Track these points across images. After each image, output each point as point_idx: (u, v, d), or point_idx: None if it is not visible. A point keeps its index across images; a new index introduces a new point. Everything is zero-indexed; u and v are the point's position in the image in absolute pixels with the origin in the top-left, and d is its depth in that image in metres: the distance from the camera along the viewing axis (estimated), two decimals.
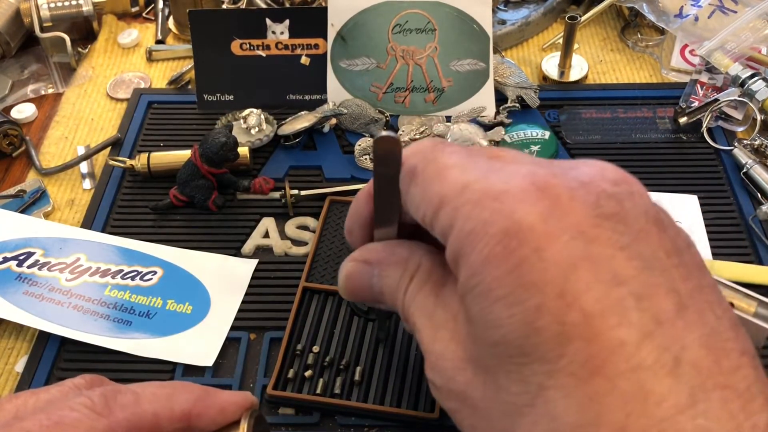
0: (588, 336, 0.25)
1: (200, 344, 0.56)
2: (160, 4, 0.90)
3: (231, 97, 0.76)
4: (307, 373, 0.52)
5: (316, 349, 0.53)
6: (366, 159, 0.69)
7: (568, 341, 0.25)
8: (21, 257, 0.61)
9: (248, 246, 0.63)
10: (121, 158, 0.69)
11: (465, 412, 0.31)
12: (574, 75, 0.79)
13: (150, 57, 0.84)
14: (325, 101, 0.74)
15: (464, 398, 0.31)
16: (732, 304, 0.51)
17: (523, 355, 0.26)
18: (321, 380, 0.51)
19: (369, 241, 0.38)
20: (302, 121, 0.71)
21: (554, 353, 0.25)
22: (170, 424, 0.34)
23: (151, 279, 0.60)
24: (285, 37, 0.75)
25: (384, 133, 0.32)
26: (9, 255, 0.61)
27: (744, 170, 0.66)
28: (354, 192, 0.65)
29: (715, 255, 0.61)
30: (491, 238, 0.28)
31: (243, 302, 0.59)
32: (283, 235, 0.64)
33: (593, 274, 0.26)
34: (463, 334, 0.31)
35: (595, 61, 0.81)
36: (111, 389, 0.35)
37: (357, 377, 0.51)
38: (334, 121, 0.73)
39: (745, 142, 0.69)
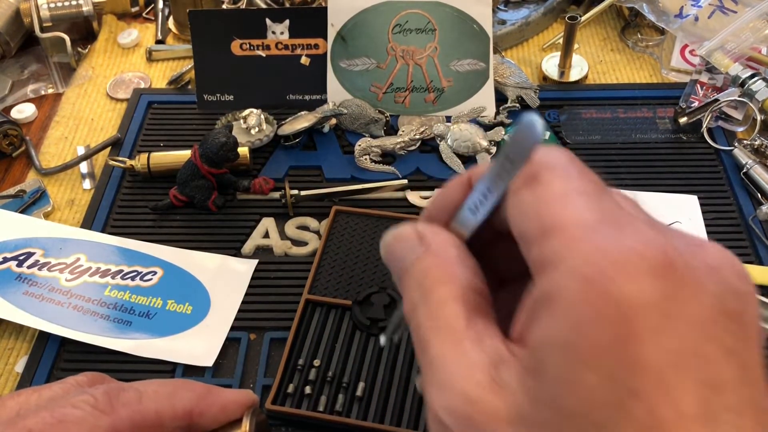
0: None
1: (200, 344, 0.55)
2: (160, 4, 0.90)
3: (231, 97, 0.76)
4: (307, 389, 0.51)
5: (317, 363, 0.53)
6: (366, 159, 0.69)
7: None
8: (21, 257, 0.61)
9: (248, 246, 0.63)
10: (121, 158, 0.69)
11: None
12: (574, 75, 0.79)
13: (150, 57, 0.84)
14: (325, 101, 0.74)
15: None
16: None
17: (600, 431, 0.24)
18: (322, 397, 0.51)
19: None
20: (302, 121, 0.71)
21: None
22: (172, 422, 0.34)
23: (151, 279, 0.60)
24: (285, 37, 0.75)
25: (533, 118, 0.26)
26: (9, 255, 0.61)
27: (744, 170, 0.66)
28: (354, 192, 0.65)
29: None
30: (604, 300, 0.24)
31: (243, 302, 0.59)
32: (283, 235, 0.64)
33: (700, 375, 0.24)
34: (512, 385, 0.26)
35: (595, 61, 0.81)
36: (114, 387, 0.35)
37: (359, 393, 0.51)
38: (334, 121, 0.73)
39: (745, 142, 0.69)
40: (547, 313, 0.25)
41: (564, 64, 0.78)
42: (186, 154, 0.66)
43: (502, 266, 0.32)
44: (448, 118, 0.73)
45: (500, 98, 0.74)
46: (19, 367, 0.56)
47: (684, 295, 0.25)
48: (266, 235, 0.64)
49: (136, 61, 0.85)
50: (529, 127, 0.27)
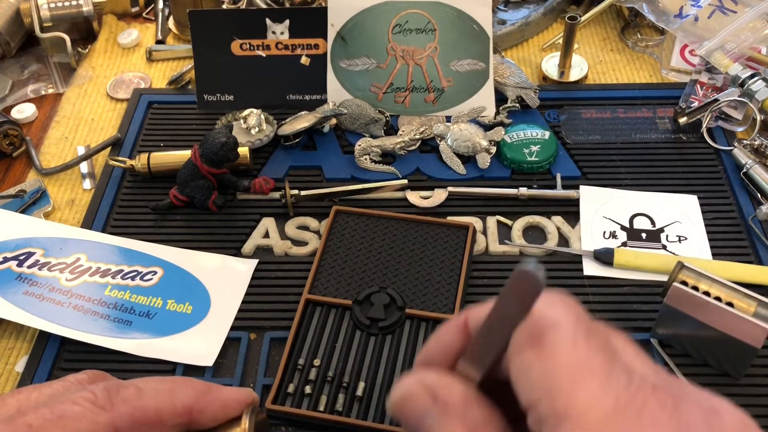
0: None
1: (200, 344, 0.56)
2: (160, 4, 0.90)
3: (231, 97, 0.76)
4: (307, 389, 0.51)
5: (317, 362, 0.53)
6: (366, 159, 0.69)
7: None
8: (21, 257, 0.61)
9: (248, 246, 0.63)
10: (121, 158, 0.69)
11: None
12: (574, 75, 0.79)
13: (150, 57, 0.84)
14: (325, 101, 0.74)
15: None
16: (732, 304, 0.51)
17: None
18: (323, 397, 0.51)
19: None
20: (302, 121, 0.71)
21: None
22: (172, 419, 0.34)
23: (151, 279, 0.60)
24: (285, 37, 0.75)
25: (530, 267, 0.25)
26: (9, 255, 0.61)
27: (744, 170, 0.66)
28: (354, 192, 0.65)
29: (715, 255, 0.61)
30: None
31: (243, 302, 0.59)
32: (283, 235, 0.64)
33: None
34: None
35: (595, 61, 0.81)
36: (113, 384, 0.35)
37: (359, 393, 0.51)
38: (334, 121, 0.73)
39: (744, 142, 0.69)
40: None
41: (564, 64, 0.78)
42: (186, 154, 0.66)
43: (504, 407, 0.30)
44: (448, 118, 0.73)
45: (500, 98, 0.74)
46: (20, 366, 0.56)
47: None
48: (266, 235, 0.64)
49: (136, 61, 0.85)
50: (529, 276, 0.25)
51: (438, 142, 0.71)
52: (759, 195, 0.65)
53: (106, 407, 0.33)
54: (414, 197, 0.67)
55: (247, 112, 0.71)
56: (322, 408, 0.50)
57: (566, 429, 0.25)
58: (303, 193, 0.65)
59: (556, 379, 0.26)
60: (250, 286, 0.60)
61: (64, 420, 0.31)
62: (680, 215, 0.64)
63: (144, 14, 0.91)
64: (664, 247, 0.62)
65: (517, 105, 0.74)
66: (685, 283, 0.52)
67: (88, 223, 0.65)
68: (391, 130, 0.73)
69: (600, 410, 0.25)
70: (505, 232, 0.64)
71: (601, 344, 0.26)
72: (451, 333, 0.31)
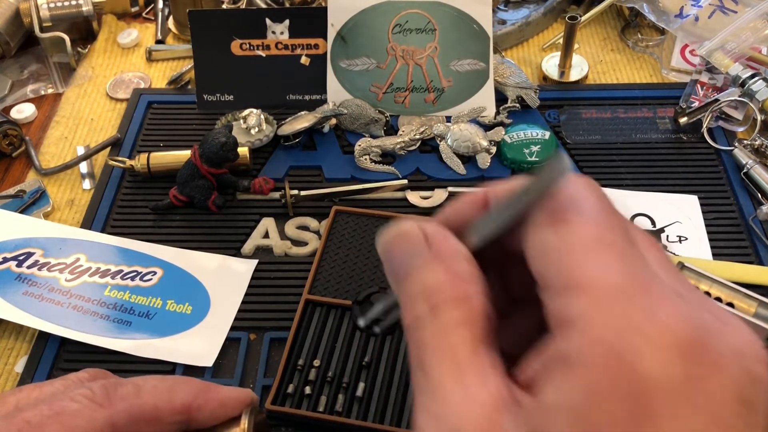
0: None
1: (200, 344, 0.55)
2: (160, 4, 0.90)
3: (231, 97, 0.76)
4: (307, 389, 0.51)
5: (317, 363, 0.53)
6: (366, 159, 0.69)
7: None
8: (21, 257, 0.61)
9: (248, 246, 0.63)
10: (120, 158, 0.69)
11: None
12: (574, 75, 0.79)
13: (150, 57, 0.84)
14: (325, 101, 0.74)
15: None
16: (732, 305, 0.51)
17: None
18: (322, 397, 0.51)
19: None
20: (302, 121, 0.71)
21: None
22: (170, 416, 0.35)
23: (150, 279, 0.60)
24: (285, 37, 0.75)
25: (558, 158, 0.26)
26: (9, 255, 0.61)
27: (744, 170, 0.66)
28: (354, 192, 0.65)
29: (715, 255, 0.61)
30: (626, 374, 0.24)
31: (243, 302, 0.59)
32: (283, 235, 0.64)
33: None
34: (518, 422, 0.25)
35: (596, 61, 0.81)
36: (112, 381, 0.35)
37: (359, 393, 0.51)
38: (334, 121, 0.73)
39: (745, 142, 0.69)
40: (563, 375, 0.24)
41: (564, 64, 0.78)
42: (186, 154, 0.66)
43: (512, 286, 0.30)
44: (448, 118, 0.73)
45: (500, 98, 0.74)
46: (19, 367, 0.56)
47: (706, 379, 0.24)
48: (266, 235, 0.64)
49: (136, 61, 0.84)
50: (558, 162, 0.26)
51: (438, 142, 0.71)
52: (759, 195, 0.65)
53: (104, 404, 0.33)
54: (414, 197, 0.66)
55: (246, 112, 0.71)
56: (321, 408, 0.50)
57: (575, 297, 0.24)
58: (303, 193, 0.65)
59: (572, 251, 0.25)
60: (249, 286, 0.60)
61: (61, 417, 0.32)
62: (680, 215, 0.64)
63: (144, 14, 0.91)
64: (665, 248, 0.62)
65: (517, 105, 0.73)
66: None
67: (87, 223, 0.65)
68: (391, 130, 0.72)
69: (611, 282, 0.24)
70: None
71: (622, 229, 0.26)
72: (468, 204, 0.30)
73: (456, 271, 0.27)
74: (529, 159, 0.68)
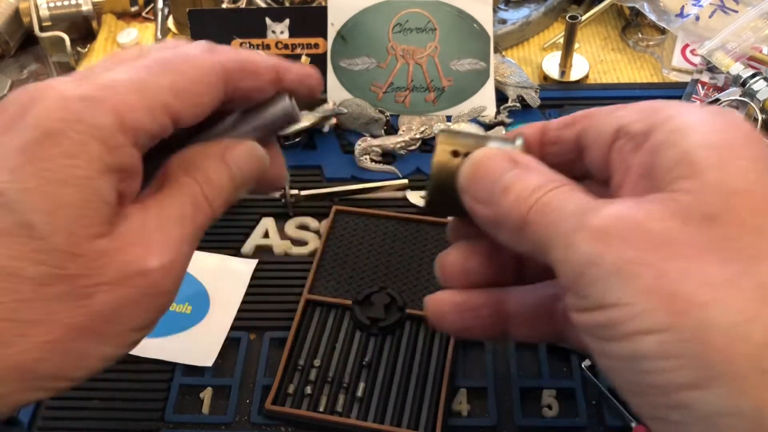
0: None
1: (200, 344, 0.55)
2: (160, 4, 0.90)
3: None
4: (307, 389, 0.51)
5: (317, 363, 0.53)
6: (366, 159, 0.69)
7: None
8: None
9: (248, 246, 0.63)
10: None
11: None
12: (574, 75, 0.79)
13: None
14: (324, 101, 0.74)
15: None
16: None
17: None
18: (323, 397, 0.51)
19: None
20: (302, 120, 0.71)
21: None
22: (266, 73, 0.37)
23: None
24: (285, 36, 0.75)
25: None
26: None
27: None
28: (354, 192, 0.65)
29: None
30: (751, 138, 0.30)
31: (243, 302, 0.58)
32: (283, 235, 0.64)
33: None
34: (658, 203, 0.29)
35: (596, 60, 0.81)
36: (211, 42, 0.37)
37: (359, 393, 0.51)
38: (334, 121, 0.73)
39: None
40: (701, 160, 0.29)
41: (565, 64, 0.78)
42: None
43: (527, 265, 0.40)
44: (449, 118, 0.73)
45: (501, 98, 0.74)
46: None
47: None
48: (266, 235, 0.64)
49: None
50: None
51: None
52: None
53: (215, 52, 0.35)
54: (414, 197, 0.66)
55: None
56: (322, 408, 0.50)
57: (699, 181, 0.28)
58: (303, 192, 0.65)
59: (699, 149, 0.29)
60: (249, 286, 0.60)
61: (183, 55, 0.34)
62: None
63: (143, 13, 0.91)
64: None
65: (518, 104, 0.73)
66: None
67: None
68: (391, 129, 0.72)
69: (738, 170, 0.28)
70: None
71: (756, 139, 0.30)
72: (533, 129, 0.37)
73: (547, 176, 0.32)
74: None
